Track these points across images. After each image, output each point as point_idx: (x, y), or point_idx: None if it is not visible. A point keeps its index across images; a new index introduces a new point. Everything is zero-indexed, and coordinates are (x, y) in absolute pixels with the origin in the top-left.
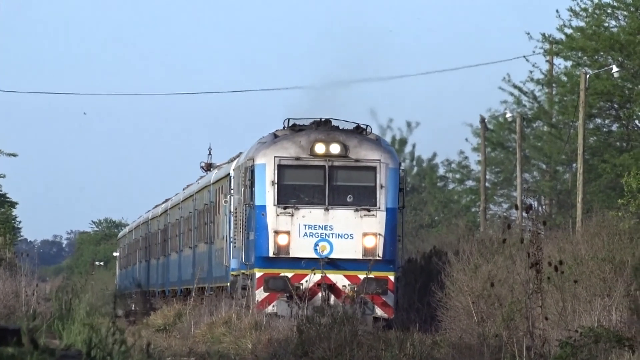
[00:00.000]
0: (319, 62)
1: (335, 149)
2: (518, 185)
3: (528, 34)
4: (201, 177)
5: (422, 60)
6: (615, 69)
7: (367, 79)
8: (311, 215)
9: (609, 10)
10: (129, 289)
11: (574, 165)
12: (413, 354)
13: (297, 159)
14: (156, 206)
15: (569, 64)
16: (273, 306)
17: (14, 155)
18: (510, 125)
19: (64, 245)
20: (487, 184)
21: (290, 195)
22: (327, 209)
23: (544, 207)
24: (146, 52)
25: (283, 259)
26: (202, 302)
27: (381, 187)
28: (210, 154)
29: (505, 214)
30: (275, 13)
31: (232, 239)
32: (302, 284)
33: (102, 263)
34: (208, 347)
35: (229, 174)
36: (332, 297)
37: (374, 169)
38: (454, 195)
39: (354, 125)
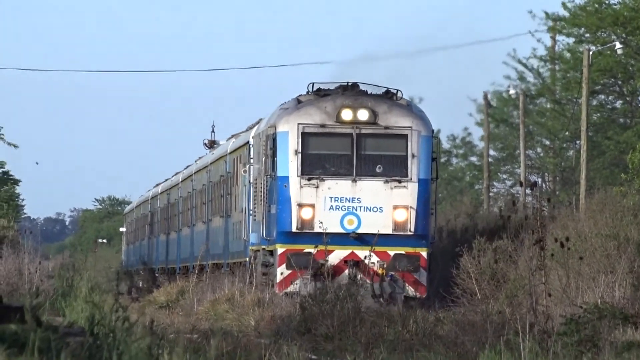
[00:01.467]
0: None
1: (363, 115)
2: (522, 162)
3: (531, 12)
4: (210, 152)
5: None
6: (618, 45)
7: (392, 55)
8: (337, 187)
9: None
10: (136, 266)
11: (578, 142)
12: (416, 330)
13: (322, 126)
14: (166, 180)
15: (571, 40)
16: (295, 284)
17: (14, 146)
18: (514, 102)
19: (67, 223)
20: (490, 160)
21: (315, 165)
22: (354, 180)
23: (547, 184)
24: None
25: (307, 234)
26: (215, 279)
27: (413, 156)
28: (213, 131)
29: (509, 190)
30: None
31: (251, 212)
32: (327, 260)
33: (105, 241)
34: (211, 324)
35: (248, 142)
36: (360, 276)
37: (405, 136)
38: (458, 172)
39: (384, 89)
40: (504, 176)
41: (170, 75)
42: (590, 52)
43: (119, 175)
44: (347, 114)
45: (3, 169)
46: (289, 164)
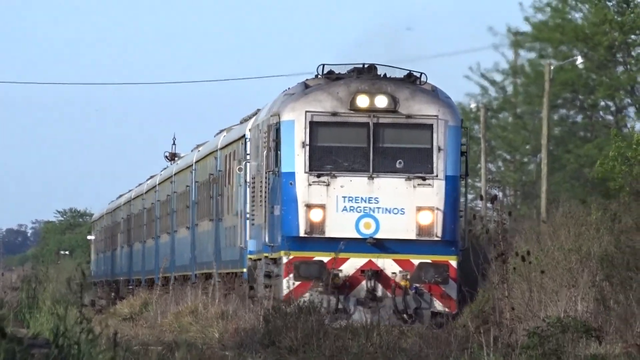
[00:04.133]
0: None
1: (381, 101)
2: (482, 175)
3: (491, 28)
4: (170, 164)
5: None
6: (579, 60)
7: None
8: (352, 185)
9: (573, 3)
10: (106, 276)
11: (539, 155)
12: (380, 343)
13: (334, 114)
14: (140, 184)
15: (533, 55)
16: (305, 297)
17: None
18: (476, 115)
19: (29, 235)
20: None
21: (326, 159)
22: (371, 177)
23: (508, 197)
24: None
25: (317, 240)
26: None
27: (439, 149)
28: (174, 143)
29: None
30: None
31: (248, 215)
32: (341, 270)
33: (67, 252)
34: (175, 336)
35: (243, 135)
36: (380, 288)
37: (430, 127)
38: None
39: (405, 72)
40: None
41: (131, 88)
42: (552, 67)
43: (80, 188)
44: (362, 101)
45: None
46: (295, 159)
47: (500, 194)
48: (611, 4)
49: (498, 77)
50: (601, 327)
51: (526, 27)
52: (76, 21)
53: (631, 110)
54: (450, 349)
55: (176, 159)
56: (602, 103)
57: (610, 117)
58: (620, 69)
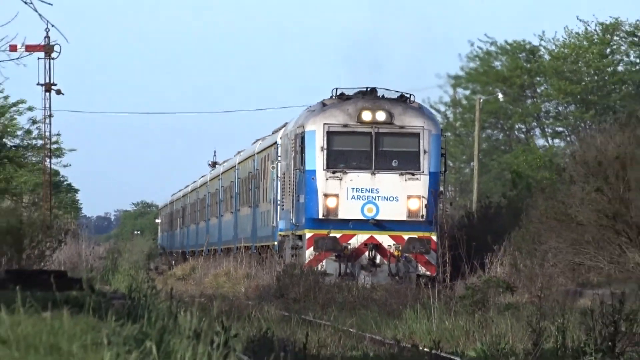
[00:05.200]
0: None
1: (381, 116)
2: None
3: (437, 74)
4: (211, 170)
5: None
6: (500, 95)
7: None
8: (358, 179)
9: (495, 54)
10: (168, 249)
11: (472, 163)
12: (358, 295)
13: (345, 125)
14: (194, 181)
15: (467, 92)
16: (322, 265)
17: (73, 149)
18: None
19: (112, 220)
20: None
21: (339, 160)
22: (373, 173)
23: (450, 192)
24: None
25: (332, 220)
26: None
27: (424, 152)
28: (215, 155)
29: None
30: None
31: (279, 203)
32: (349, 243)
33: (139, 232)
34: (213, 290)
35: (275, 142)
36: (378, 257)
37: (418, 135)
38: None
39: (398, 94)
40: None
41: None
42: (481, 100)
43: (148, 185)
44: (366, 115)
45: (67, 182)
46: (316, 159)
47: (443, 190)
48: (522, 55)
49: (442, 108)
50: (514, 284)
51: (462, 72)
52: (148, 57)
53: (537, 131)
54: (407, 299)
55: (216, 165)
56: (517, 126)
57: (522, 136)
58: (529, 101)
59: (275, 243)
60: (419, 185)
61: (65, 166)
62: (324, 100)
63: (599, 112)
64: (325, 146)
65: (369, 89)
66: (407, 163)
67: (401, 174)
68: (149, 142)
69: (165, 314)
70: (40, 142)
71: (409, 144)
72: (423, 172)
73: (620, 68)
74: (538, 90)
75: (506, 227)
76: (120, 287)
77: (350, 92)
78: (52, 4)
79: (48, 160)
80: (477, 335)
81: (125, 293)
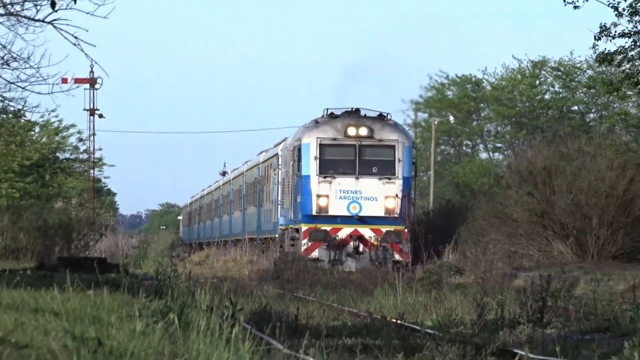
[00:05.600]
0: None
1: (363, 131)
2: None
3: (402, 100)
4: (222, 178)
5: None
6: (451, 118)
7: None
8: (345, 182)
9: (447, 85)
10: (187, 240)
11: (429, 172)
12: (338, 277)
13: (334, 139)
14: (209, 186)
15: (425, 115)
16: (315, 252)
17: (112, 165)
18: None
19: (143, 217)
20: None
21: (329, 167)
22: (357, 178)
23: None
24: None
25: (323, 217)
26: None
27: (399, 161)
28: (225, 165)
29: None
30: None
31: (280, 202)
32: (337, 235)
33: (164, 227)
34: (223, 273)
35: (276, 154)
36: (361, 246)
37: (394, 147)
38: None
39: (377, 113)
40: None
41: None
42: (435, 122)
43: (171, 189)
44: (351, 131)
45: (107, 187)
46: (310, 166)
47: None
48: (468, 86)
49: (405, 128)
50: (462, 268)
51: (421, 99)
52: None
53: (481, 147)
54: (377, 280)
55: (226, 174)
56: (464, 142)
57: (469, 150)
58: (474, 123)
59: (276, 235)
60: (395, 188)
61: (105, 177)
62: (317, 118)
63: (529, 131)
64: (318, 156)
65: (353, 109)
66: (385, 170)
67: (380, 179)
68: (173, 154)
69: (184, 292)
70: (85, 155)
71: (387, 154)
72: (398, 177)
73: (547, 96)
74: (481, 114)
75: (456, 223)
76: (149, 270)
77: (339, 112)
78: (95, 46)
79: (91, 170)
80: (433, 309)
81: (153, 275)
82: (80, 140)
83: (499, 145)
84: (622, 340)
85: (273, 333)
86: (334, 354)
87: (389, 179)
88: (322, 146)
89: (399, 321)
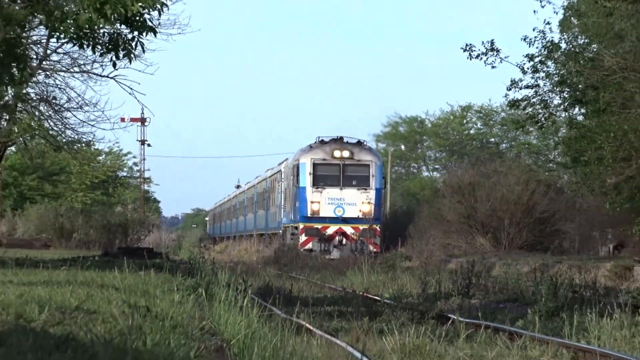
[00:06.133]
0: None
1: (346, 154)
2: None
3: (367, 133)
4: (237, 190)
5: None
6: (403, 147)
7: None
8: (332, 192)
9: (399, 122)
10: (213, 235)
11: (386, 186)
12: (321, 262)
13: (324, 159)
14: (229, 195)
15: (384, 144)
16: (310, 244)
17: (157, 184)
18: None
19: (179, 218)
20: None
21: (320, 180)
22: (341, 189)
23: None
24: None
25: (316, 218)
26: (258, 242)
27: (372, 176)
28: (238, 180)
29: None
30: None
31: (283, 206)
32: (326, 232)
33: (195, 226)
34: (238, 259)
35: (280, 170)
36: (344, 239)
37: (369, 165)
38: None
39: (357, 140)
40: None
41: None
42: (391, 150)
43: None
44: (337, 153)
45: (154, 197)
46: (306, 180)
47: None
48: (415, 124)
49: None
50: (411, 255)
51: (381, 133)
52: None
53: (424, 168)
54: (349, 265)
55: (239, 187)
56: (412, 164)
57: (415, 171)
58: (419, 150)
59: (280, 231)
60: (369, 196)
61: (154, 192)
62: (310, 144)
63: (459, 156)
64: (312, 172)
65: (338, 137)
66: (362, 182)
67: (358, 189)
68: (201, 171)
69: (210, 272)
70: (138, 174)
71: (363, 170)
72: (372, 188)
73: (472, 131)
74: (424, 144)
75: (406, 224)
76: (184, 257)
77: (327, 139)
78: (145, 94)
79: (142, 185)
80: (390, 285)
81: (187, 260)
82: (135, 163)
83: (437, 166)
84: (527, 308)
85: (274, 302)
86: (318, 318)
87: (365, 189)
88: (315, 165)
89: (365, 294)
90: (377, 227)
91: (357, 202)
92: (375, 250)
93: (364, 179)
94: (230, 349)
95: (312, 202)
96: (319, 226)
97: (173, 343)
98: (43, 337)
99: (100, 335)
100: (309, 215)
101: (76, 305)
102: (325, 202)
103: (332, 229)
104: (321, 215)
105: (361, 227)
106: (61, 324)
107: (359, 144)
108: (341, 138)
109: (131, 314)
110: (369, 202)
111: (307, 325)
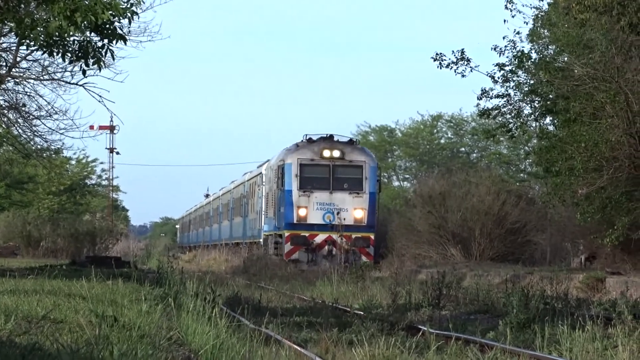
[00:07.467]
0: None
1: (336, 153)
2: None
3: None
4: (205, 199)
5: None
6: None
7: None
8: (321, 196)
9: (370, 132)
10: (182, 244)
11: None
12: (291, 272)
13: (312, 160)
14: (201, 202)
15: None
16: (296, 254)
17: (125, 192)
18: None
19: (148, 227)
20: None
21: (307, 183)
22: (331, 192)
23: None
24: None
25: (303, 224)
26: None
27: (366, 178)
28: (208, 189)
29: None
30: None
31: (264, 212)
32: (314, 240)
33: (164, 234)
34: (206, 268)
35: (260, 172)
36: (334, 249)
37: (361, 166)
38: None
39: (348, 138)
40: None
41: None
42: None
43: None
44: (326, 153)
45: (122, 205)
46: (292, 183)
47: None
48: (385, 133)
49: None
50: (381, 265)
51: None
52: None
53: (394, 177)
54: (319, 274)
55: (208, 196)
56: (383, 174)
57: (386, 180)
58: (390, 160)
59: (261, 240)
60: (362, 201)
61: (122, 200)
62: (297, 142)
63: (429, 166)
64: (298, 174)
65: (328, 135)
66: (354, 186)
67: (350, 193)
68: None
69: (178, 282)
70: (106, 182)
71: (356, 172)
72: (365, 192)
73: (442, 141)
74: (395, 154)
75: (383, 233)
76: (152, 266)
77: (315, 137)
78: (114, 102)
79: (110, 193)
80: (360, 295)
81: (155, 270)
82: (103, 170)
83: (407, 176)
84: (498, 320)
85: (242, 312)
86: (287, 328)
87: (358, 193)
88: (302, 165)
89: (334, 304)
90: (371, 236)
91: (349, 207)
92: (368, 261)
93: (357, 181)
94: (198, 359)
95: (298, 207)
96: (307, 234)
97: (140, 353)
98: (9, 346)
99: (66, 345)
100: (295, 221)
101: (43, 314)
102: (314, 207)
103: (320, 238)
104: (309, 221)
105: (354, 236)
106: (27, 333)
107: (351, 142)
108: (331, 136)
109: (98, 324)
110: (362, 208)
111: (276, 335)
